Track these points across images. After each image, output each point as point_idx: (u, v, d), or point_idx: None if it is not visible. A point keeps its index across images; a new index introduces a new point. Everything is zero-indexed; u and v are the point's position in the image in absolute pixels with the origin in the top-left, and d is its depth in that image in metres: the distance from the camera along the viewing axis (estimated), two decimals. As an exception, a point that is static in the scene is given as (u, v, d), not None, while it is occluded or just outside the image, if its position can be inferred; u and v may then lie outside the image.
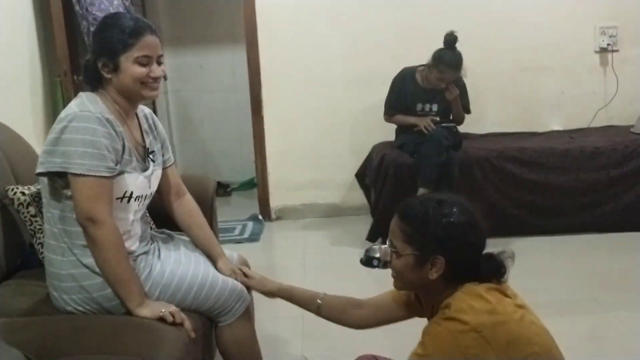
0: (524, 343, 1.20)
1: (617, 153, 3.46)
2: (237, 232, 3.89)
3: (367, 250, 3.30)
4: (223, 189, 4.97)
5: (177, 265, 1.63)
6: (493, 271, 1.27)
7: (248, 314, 1.74)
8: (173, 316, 1.48)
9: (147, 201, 1.68)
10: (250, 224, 4.04)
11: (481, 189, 3.42)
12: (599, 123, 4.05)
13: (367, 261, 3.23)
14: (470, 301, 1.21)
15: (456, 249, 1.26)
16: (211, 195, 2.15)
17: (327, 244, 3.64)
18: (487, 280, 1.26)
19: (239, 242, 3.68)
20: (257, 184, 4.23)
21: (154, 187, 1.69)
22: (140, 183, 1.59)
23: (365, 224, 3.62)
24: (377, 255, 3.22)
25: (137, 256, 1.60)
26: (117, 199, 1.54)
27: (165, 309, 1.49)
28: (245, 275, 1.74)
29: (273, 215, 4.18)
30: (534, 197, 3.48)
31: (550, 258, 3.23)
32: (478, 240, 1.28)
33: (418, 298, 1.50)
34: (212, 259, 1.75)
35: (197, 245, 1.78)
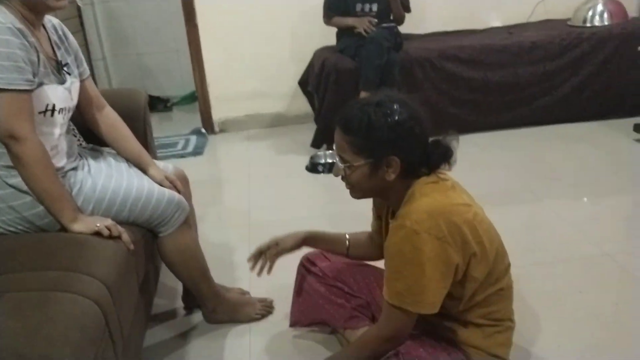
0: (476, 242, 1.26)
1: (554, 46, 3.50)
2: (180, 146, 3.83)
3: (312, 157, 3.31)
4: (163, 103, 4.84)
5: (108, 180, 1.58)
6: (442, 156, 1.30)
7: (188, 223, 1.72)
8: (109, 230, 1.46)
9: (70, 114, 1.60)
10: (193, 138, 3.97)
11: (422, 89, 3.42)
12: (538, 17, 4.05)
13: (313, 168, 3.24)
14: (424, 204, 1.24)
15: (406, 145, 1.26)
16: (143, 108, 2.07)
17: (273, 154, 3.62)
18: (438, 167, 1.30)
19: (182, 157, 3.62)
20: (198, 97, 4.11)
21: (75, 99, 1.61)
22: (61, 95, 1.51)
23: (310, 131, 3.60)
24: (322, 161, 3.24)
25: (66, 172, 1.54)
26: (40, 112, 1.45)
27: (101, 223, 1.46)
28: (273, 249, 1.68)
29: (216, 128, 4.11)
30: (474, 95, 3.52)
31: (489, 152, 3.32)
32: (423, 130, 1.29)
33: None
34: (142, 169, 1.72)
35: (125, 157, 1.73)
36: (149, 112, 2.18)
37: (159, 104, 4.83)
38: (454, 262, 1.24)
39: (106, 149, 1.78)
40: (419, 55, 3.42)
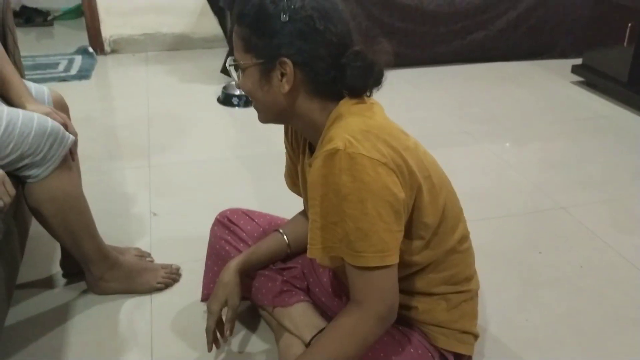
0: (422, 175, 0.98)
1: (495, -26, 3.24)
2: (61, 68, 3.31)
3: (224, 88, 2.86)
4: (42, 17, 4.25)
5: None
6: (363, 72, 0.96)
7: (68, 163, 1.30)
8: None
9: None
10: (78, 59, 3.46)
11: (351, 14, 3.03)
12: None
13: (226, 100, 2.79)
14: (358, 123, 0.94)
15: (305, 46, 0.94)
16: (2, 12, 1.52)
17: (176, 81, 3.12)
18: (357, 87, 0.98)
19: (64, 80, 3.10)
20: (84, 10, 3.49)
21: None
22: None
23: (220, 57, 3.20)
24: (237, 93, 2.79)
25: None
26: None
27: None
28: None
29: (107, 48, 3.58)
30: (406, 23, 3.24)
31: (423, 90, 3.06)
32: (333, 30, 0.94)
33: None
34: (17, 105, 1.30)
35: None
36: (11, 15, 1.64)
37: (36, 16, 4.24)
38: (402, 198, 0.92)
39: None
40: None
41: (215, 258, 1.38)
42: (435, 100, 2.92)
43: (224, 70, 3.04)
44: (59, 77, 3.09)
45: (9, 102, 1.31)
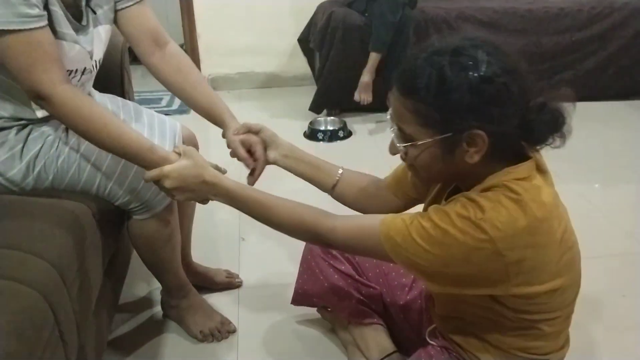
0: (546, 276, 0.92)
1: (583, 14, 3.20)
2: (164, 103, 3.53)
3: (311, 123, 2.99)
4: None
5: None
6: (550, 124, 0.89)
7: (170, 208, 1.35)
8: None
9: (90, 76, 1.25)
10: None
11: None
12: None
13: (312, 135, 2.92)
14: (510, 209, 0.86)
15: (497, 112, 0.85)
16: (120, 50, 1.72)
17: (266, 117, 3.29)
18: (545, 140, 0.91)
19: (167, 114, 3.25)
20: (186, 49, 3.75)
21: (99, 54, 1.25)
22: (75, 55, 1.16)
23: (308, 95, 3.30)
24: (322, 127, 2.92)
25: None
26: None
27: None
28: (250, 130, 1.28)
29: (205, 85, 3.76)
30: (492, 63, 3.22)
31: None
32: (523, 88, 0.87)
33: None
34: (222, 123, 1.32)
35: (196, 110, 1.36)
36: (127, 55, 1.85)
37: None
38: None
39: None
40: (436, 15, 3.08)
41: (306, 266, 1.41)
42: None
43: (312, 108, 3.19)
44: (162, 112, 3.30)
45: (215, 120, 1.35)
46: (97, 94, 1.43)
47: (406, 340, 1.33)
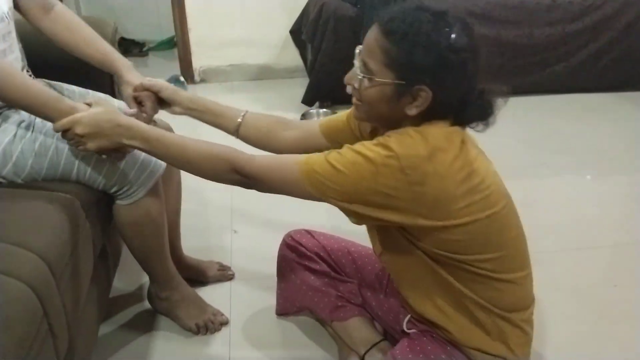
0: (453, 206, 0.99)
1: (574, 6, 3.18)
2: None
3: (303, 115, 2.99)
4: (138, 48, 4.43)
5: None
6: (481, 111, 1.01)
7: (156, 191, 1.35)
8: None
9: (4, 30, 1.23)
10: None
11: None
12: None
13: (304, 126, 2.91)
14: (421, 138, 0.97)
15: (449, 81, 0.96)
16: (110, 41, 1.70)
17: (258, 109, 3.16)
18: (470, 122, 1.03)
19: None
20: (177, 43, 3.72)
21: (4, 5, 1.24)
22: None
23: (300, 86, 3.28)
24: (314, 119, 2.90)
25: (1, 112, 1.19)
26: None
27: None
28: (149, 89, 1.31)
29: (197, 77, 3.75)
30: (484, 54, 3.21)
31: (500, 121, 3.00)
32: (475, 70, 0.98)
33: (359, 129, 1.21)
34: (116, 74, 1.37)
35: (92, 63, 1.38)
36: (116, 45, 1.82)
37: (133, 47, 4.42)
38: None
39: (64, 85, 1.42)
40: (428, 7, 3.06)
41: (282, 276, 1.45)
42: (512, 131, 2.88)
43: (305, 100, 3.18)
44: (153, 104, 3.31)
45: (112, 70, 1.39)
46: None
47: (391, 329, 1.33)
